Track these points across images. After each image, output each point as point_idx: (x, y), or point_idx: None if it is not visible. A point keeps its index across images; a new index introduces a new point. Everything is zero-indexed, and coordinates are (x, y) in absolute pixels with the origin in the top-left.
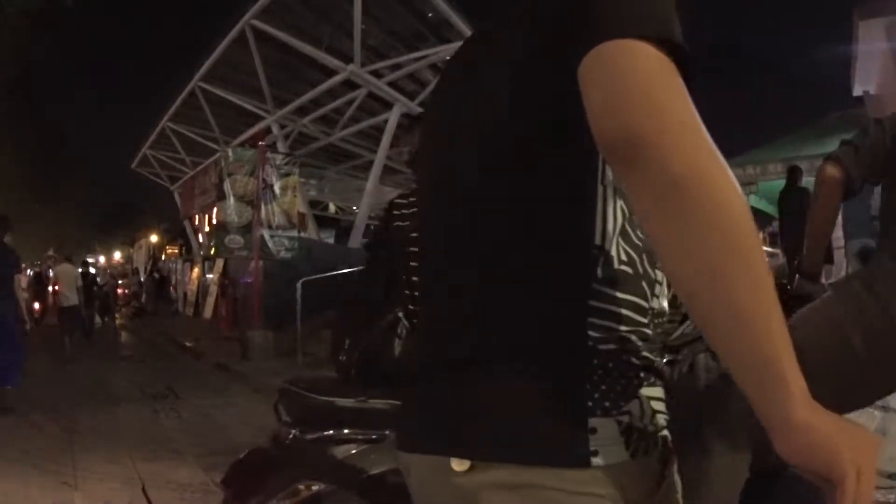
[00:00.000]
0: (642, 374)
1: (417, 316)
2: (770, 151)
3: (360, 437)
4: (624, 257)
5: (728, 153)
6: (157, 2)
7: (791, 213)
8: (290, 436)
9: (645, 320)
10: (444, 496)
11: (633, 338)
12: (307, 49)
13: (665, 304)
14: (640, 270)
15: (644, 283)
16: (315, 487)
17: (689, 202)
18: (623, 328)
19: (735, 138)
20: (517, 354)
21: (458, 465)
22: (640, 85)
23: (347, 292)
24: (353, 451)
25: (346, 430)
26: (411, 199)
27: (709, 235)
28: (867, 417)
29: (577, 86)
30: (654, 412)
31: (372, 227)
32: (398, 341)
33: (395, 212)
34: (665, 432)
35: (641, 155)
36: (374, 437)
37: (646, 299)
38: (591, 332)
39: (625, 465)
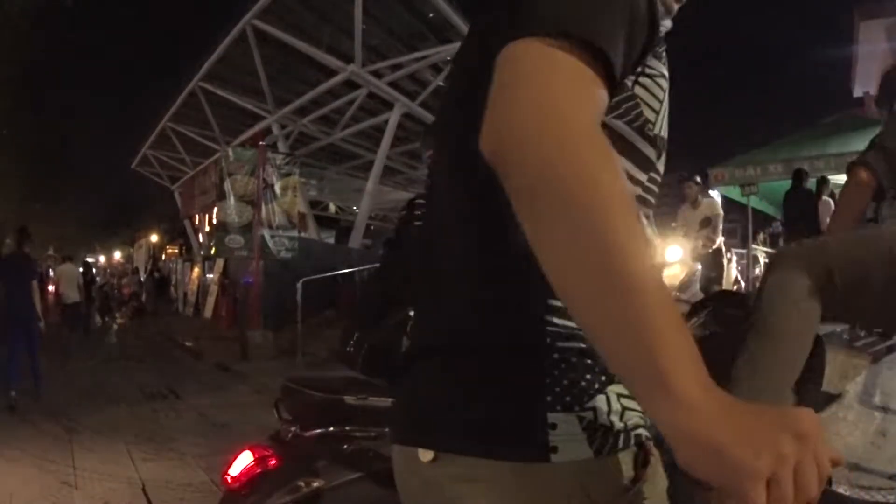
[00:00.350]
0: (611, 372)
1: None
2: (770, 152)
3: (360, 434)
4: None
5: (728, 154)
6: (158, 1)
7: (796, 215)
8: (291, 433)
9: None
10: (413, 485)
11: None
12: (308, 49)
13: None
14: None
15: None
16: (315, 484)
17: (539, 207)
18: None
19: (735, 139)
20: (480, 348)
21: (424, 455)
22: (512, 92)
23: (364, 288)
24: (354, 449)
25: (347, 428)
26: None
27: (561, 237)
28: (867, 418)
29: None
30: (624, 409)
31: (372, 227)
32: (405, 339)
33: (416, 211)
34: (641, 430)
35: (502, 166)
36: (374, 434)
37: None
38: (550, 328)
39: (587, 463)
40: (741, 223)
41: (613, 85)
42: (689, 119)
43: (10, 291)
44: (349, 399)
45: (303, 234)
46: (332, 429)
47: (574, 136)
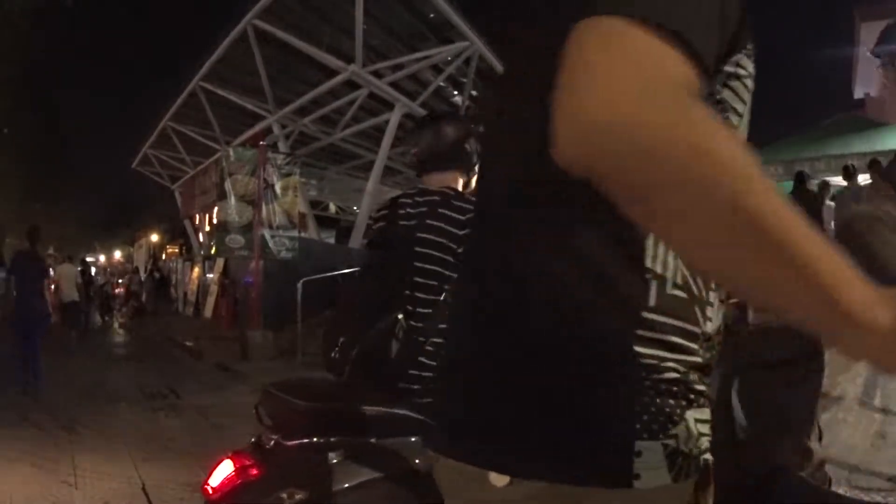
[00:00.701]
0: (691, 397)
1: (455, 307)
2: (771, 153)
3: (344, 444)
4: (679, 280)
5: None
6: (158, 1)
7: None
8: (272, 441)
9: (695, 346)
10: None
11: (683, 364)
12: (308, 49)
13: (716, 325)
14: (695, 293)
15: (697, 308)
16: (298, 496)
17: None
18: (672, 355)
19: None
20: (568, 370)
21: (498, 479)
22: (597, 70)
23: (347, 291)
24: (337, 460)
25: (331, 438)
26: (416, 199)
27: (701, 214)
28: (867, 420)
29: None
30: (700, 435)
31: (373, 227)
32: (396, 343)
33: (401, 210)
34: (707, 455)
35: (600, 160)
36: (359, 444)
37: (697, 325)
38: (639, 360)
39: (665, 489)
40: None
41: (701, 81)
42: None
43: (21, 289)
44: (334, 407)
45: (303, 234)
46: (315, 438)
47: (678, 107)
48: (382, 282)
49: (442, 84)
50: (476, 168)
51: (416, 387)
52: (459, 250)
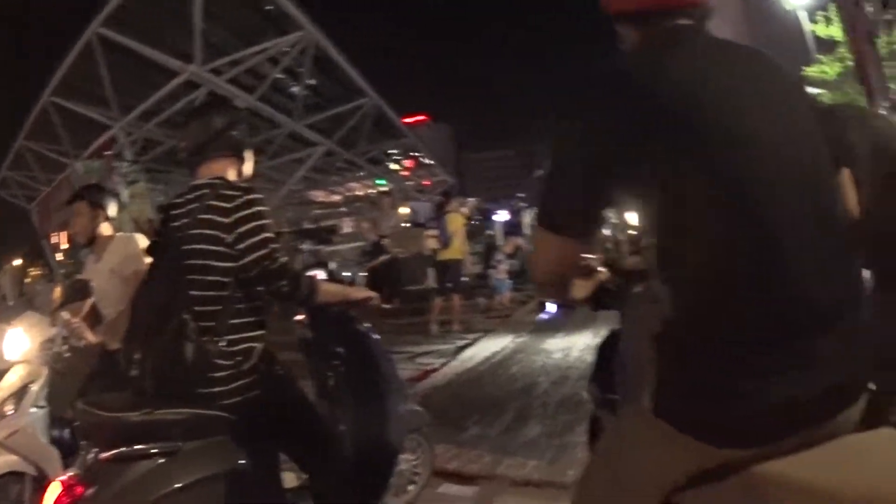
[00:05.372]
0: None
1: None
2: None
3: (152, 452)
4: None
5: None
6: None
7: None
8: (90, 457)
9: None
10: None
11: None
12: (150, 53)
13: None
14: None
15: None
16: None
17: None
18: None
19: None
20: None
21: None
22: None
23: (134, 303)
24: (150, 468)
25: (137, 446)
26: (187, 196)
27: None
28: None
29: None
30: None
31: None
32: (189, 345)
33: (174, 211)
34: None
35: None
36: (167, 450)
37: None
38: None
39: None
40: None
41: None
42: None
43: None
44: (135, 416)
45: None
46: (123, 449)
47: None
48: (161, 286)
49: (280, 76)
50: (249, 153)
51: (216, 389)
52: (230, 239)
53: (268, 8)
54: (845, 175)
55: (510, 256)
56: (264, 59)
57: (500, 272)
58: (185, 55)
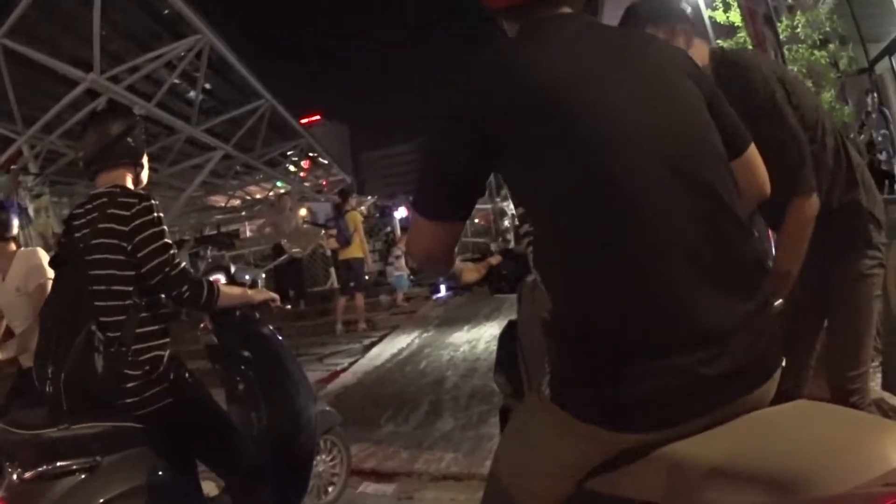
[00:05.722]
0: None
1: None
2: None
3: (73, 468)
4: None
5: None
6: None
7: None
8: (14, 478)
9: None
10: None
11: None
12: (51, 62)
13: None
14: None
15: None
16: None
17: None
18: None
19: None
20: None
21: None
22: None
23: (41, 317)
24: (69, 487)
25: (58, 463)
26: (87, 206)
27: None
28: None
29: None
30: None
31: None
32: (98, 356)
33: (74, 222)
34: None
35: None
36: (87, 465)
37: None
38: None
39: None
40: None
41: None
42: None
43: None
44: (52, 433)
45: None
46: (47, 466)
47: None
48: (66, 299)
49: (177, 81)
50: (144, 158)
51: (129, 400)
52: (130, 248)
53: (165, 12)
54: (751, 152)
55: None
56: (161, 65)
57: (398, 268)
58: (85, 63)
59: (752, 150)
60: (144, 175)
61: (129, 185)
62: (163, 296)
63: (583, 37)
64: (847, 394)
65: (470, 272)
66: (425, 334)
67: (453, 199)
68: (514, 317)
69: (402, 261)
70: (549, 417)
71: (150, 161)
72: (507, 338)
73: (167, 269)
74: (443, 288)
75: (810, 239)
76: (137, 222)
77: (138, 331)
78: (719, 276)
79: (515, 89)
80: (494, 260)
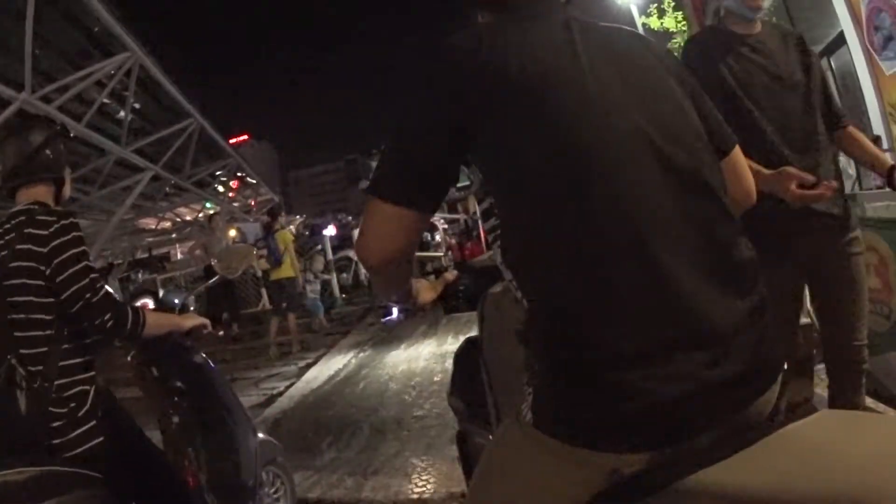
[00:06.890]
0: None
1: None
2: None
3: None
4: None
5: None
6: None
7: None
8: None
9: None
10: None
11: None
12: None
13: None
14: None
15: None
16: None
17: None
18: None
19: None
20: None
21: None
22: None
23: None
24: None
25: None
26: (5, 226)
27: None
28: None
29: None
30: None
31: None
32: (21, 393)
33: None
34: None
35: None
36: None
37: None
38: None
39: None
40: None
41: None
42: None
43: None
44: None
45: None
46: None
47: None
48: None
49: (106, 100)
50: (66, 172)
51: (56, 440)
52: (49, 272)
53: (95, 29)
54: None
55: (340, 270)
56: (92, 84)
57: (313, 291)
58: (17, 83)
59: (738, 152)
60: (67, 190)
61: (51, 202)
62: (85, 325)
63: (570, 26)
64: (858, 363)
65: (427, 290)
66: (362, 354)
67: (423, 181)
68: (473, 334)
69: (315, 284)
70: (536, 449)
71: (80, 183)
72: (465, 357)
73: (88, 296)
74: (395, 310)
75: (797, 219)
76: (56, 243)
77: (61, 363)
78: (718, 274)
79: (498, 68)
80: (450, 276)
